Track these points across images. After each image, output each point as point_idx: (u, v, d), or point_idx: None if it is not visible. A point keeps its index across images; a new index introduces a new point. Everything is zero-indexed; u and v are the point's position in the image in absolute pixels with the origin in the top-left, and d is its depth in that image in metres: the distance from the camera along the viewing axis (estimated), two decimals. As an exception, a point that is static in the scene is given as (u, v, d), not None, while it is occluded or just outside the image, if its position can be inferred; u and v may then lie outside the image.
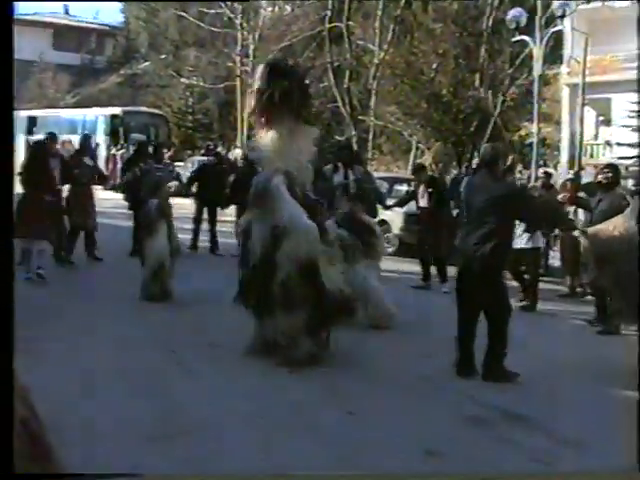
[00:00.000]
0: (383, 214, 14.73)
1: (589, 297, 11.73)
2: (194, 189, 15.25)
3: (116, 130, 32.54)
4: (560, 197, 11.24)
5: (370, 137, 30.41)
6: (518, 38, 20.85)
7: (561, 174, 22.29)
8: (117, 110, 34.07)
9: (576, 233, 11.12)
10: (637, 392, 6.11)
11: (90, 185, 12.82)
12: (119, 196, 14.67)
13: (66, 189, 12.44)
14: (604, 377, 7.40)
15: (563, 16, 19.56)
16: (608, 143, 27.96)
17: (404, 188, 17.15)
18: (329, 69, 31.29)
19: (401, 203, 13.24)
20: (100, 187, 13.62)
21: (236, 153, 31.22)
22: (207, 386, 6.88)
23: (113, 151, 31.27)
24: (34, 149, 11.77)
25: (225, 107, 42.24)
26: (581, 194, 11.68)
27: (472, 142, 25.69)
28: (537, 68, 19.94)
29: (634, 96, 22.49)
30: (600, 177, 10.17)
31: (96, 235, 13.00)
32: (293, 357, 7.48)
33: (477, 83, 26.12)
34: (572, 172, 16.63)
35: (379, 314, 9.24)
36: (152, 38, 51.18)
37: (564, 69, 27.91)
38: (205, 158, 30.18)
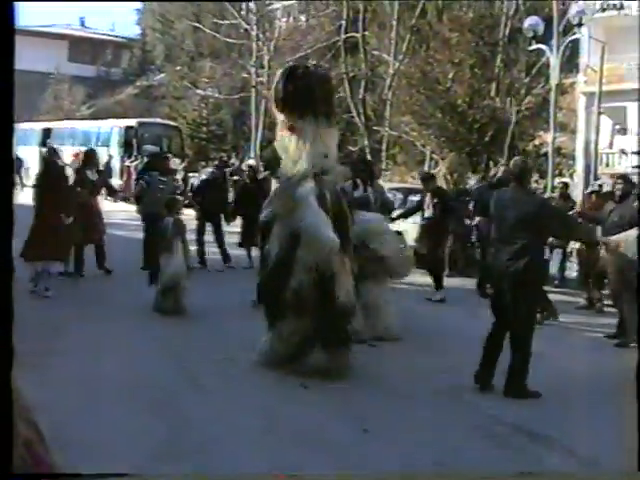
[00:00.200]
0: (398, 225, 14.58)
1: (608, 309, 11.53)
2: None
3: (130, 142, 32.52)
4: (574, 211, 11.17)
5: (384, 147, 30.30)
6: (534, 47, 20.66)
7: (577, 184, 22.12)
8: (131, 122, 34.08)
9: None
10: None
11: (94, 198, 12.64)
12: (133, 207, 14.60)
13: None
14: (622, 392, 7.21)
15: (580, 24, 19.37)
16: (624, 152, 27.72)
17: (418, 199, 16.98)
18: (344, 79, 31.23)
19: (407, 214, 12.94)
20: (111, 199, 13.47)
21: (250, 163, 31.19)
22: (218, 401, 6.75)
23: (127, 162, 31.25)
24: (47, 165, 11.58)
25: (239, 118, 42.26)
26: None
27: (487, 152, 25.53)
28: (554, 77, 19.77)
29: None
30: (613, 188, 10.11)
31: (106, 248, 12.90)
32: (302, 367, 7.39)
33: (493, 92, 25.96)
34: (597, 183, 16.39)
35: (385, 327, 9.14)
36: (168, 50, 51.43)
37: (581, 78, 27.73)
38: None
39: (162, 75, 48.12)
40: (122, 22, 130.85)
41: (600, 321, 11.12)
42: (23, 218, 10.18)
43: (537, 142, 27.56)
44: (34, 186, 11.44)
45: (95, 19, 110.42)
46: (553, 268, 13.18)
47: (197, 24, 41.51)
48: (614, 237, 9.01)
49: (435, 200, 12.42)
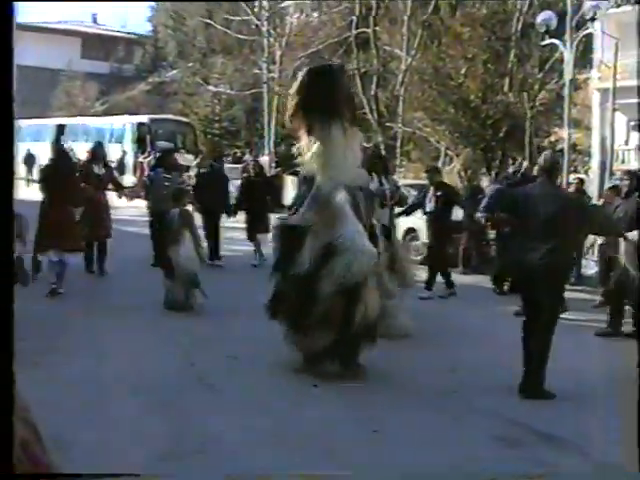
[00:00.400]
0: (412, 222, 14.50)
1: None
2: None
3: (143, 138, 32.57)
4: None
5: (398, 144, 30.16)
6: (548, 42, 20.49)
7: (592, 180, 21.95)
8: (144, 118, 34.12)
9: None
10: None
11: (101, 193, 12.46)
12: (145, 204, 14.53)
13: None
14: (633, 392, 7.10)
15: (594, 19, 19.20)
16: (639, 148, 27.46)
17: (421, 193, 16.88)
18: (356, 75, 31.10)
19: (409, 211, 12.60)
20: (126, 198, 13.30)
21: (263, 160, 31.13)
22: (225, 401, 6.69)
23: (140, 159, 31.29)
24: (58, 158, 11.47)
25: (252, 114, 42.18)
26: None
27: (501, 148, 25.38)
28: (568, 72, 19.60)
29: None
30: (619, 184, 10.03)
31: (115, 244, 12.81)
32: (320, 373, 7.34)
33: (506, 88, 25.79)
34: (616, 179, 16.22)
35: (394, 326, 9.02)
36: (180, 46, 51.39)
37: (594, 73, 27.47)
38: (234, 166, 30.37)
39: (174, 71, 48.08)
40: (134, 19, 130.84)
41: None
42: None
43: (553, 138, 27.41)
44: (41, 180, 11.33)
45: (107, 16, 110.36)
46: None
47: (208, 20, 41.44)
48: (634, 232, 8.97)
49: (438, 193, 12.27)
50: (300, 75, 7.68)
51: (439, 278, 12.41)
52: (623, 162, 27.39)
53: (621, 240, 9.54)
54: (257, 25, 35.76)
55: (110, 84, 53.43)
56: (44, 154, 31.77)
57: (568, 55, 19.51)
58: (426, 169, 14.20)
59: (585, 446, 5.82)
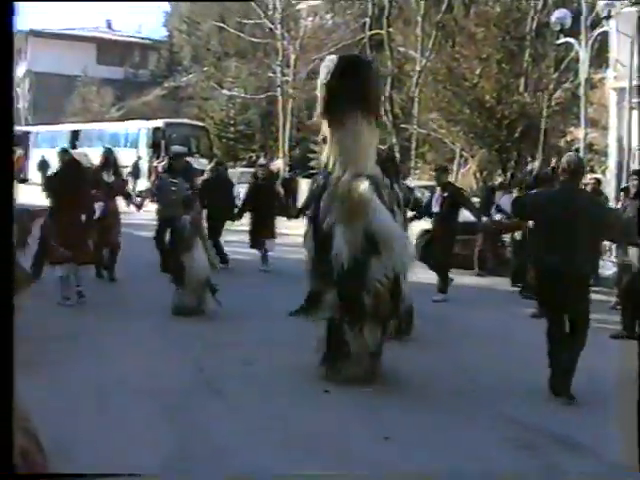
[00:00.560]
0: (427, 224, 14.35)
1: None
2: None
3: (158, 142, 32.58)
4: None
5: (413, 146, 30.04)
6: (563, 41, 20.35)
7: (609, 180, 21.71)
8: (159, 123, 34.15)
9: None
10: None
11: (111, 200, 12.26)
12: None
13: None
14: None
15: (609, 17, 19.04)
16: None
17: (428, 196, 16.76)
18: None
19: (418, 215, 12.13)
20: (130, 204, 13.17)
21: (278, 164, 31.10)
22: (234, 407, 6.58)
23: (155, 163, 31.31)
24: (66, 165, 11.29)
25: (267, 118, 42.15)
26: None
27: (517, 149, 25.18)
28: (583, 71, 19.45)
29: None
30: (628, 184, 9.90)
31: (127, 249, 12.70)
32: (359, 371, 7.23)
33: (521, 88, 25.59)
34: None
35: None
36: (194, 50, 51.51)
37: (610, 72, 27.25)
38: (248, 170, 30.33)
39: (190, 76, 48.17)
40: (149, 24, 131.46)
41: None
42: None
43: (568, 138, 27.17)
44: (48, 188, 11.22)
45: (122, 22, 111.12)
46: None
47: (222, 24, 41.47)
48: None
49: (445, 194, 12.08)
50: (329, 62, 7.33)
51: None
52: (641, 162, 27.14)
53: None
54: (271, 28, 35.76)
55: (125, 89, 53.67)
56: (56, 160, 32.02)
57: (583, 54, 19.37)
58: (434, 168, 14.02)
59: (600, 449, 5.69)
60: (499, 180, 18.03)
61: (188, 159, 16.17)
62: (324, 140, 7.48)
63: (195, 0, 48.27)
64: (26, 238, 8.58)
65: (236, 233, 15.20)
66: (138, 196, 13.61)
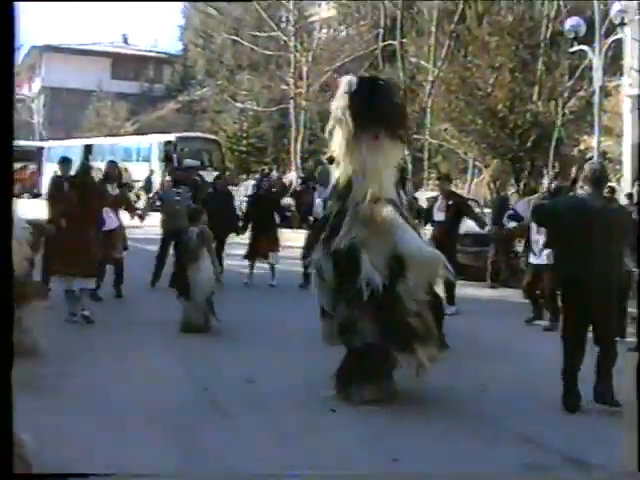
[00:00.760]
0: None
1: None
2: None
3: (170, 156, 32.55)
4: None
5: (426, 156, 29.82)
6: (576, 48, 20.13)
7: (624, 188, 21.42)
8: (171, 136, 34.14)
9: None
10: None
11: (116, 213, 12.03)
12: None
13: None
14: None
15: (622, 24, 18.79)
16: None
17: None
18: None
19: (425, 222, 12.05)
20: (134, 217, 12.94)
21: (290, 176, 30.94)
22: (240, 429, 6.34)
23: (167, 177, 31.26)
24: (79, 177, 10.94)
25: (280, 131, 42.11)
26: None
27: (530, 158, 24.89)
28: (597, 79, 19.20)
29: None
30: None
31: (132, 263, 12.55)
32: (386, 391, 7.03)
33: (535, 96, 25.34)
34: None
35: None
36: (209, 64, 51.64)
37: (625, 80, 26.98)
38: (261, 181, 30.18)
39: (204, 90, 48.27)
40: (165, 38, 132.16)
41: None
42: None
43: (582, 147, 26.87)
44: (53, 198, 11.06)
45: (139, 36, 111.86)
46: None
47: (235, 37, 41.53)
48: None
49: (450, 203, 11.87)
50: (349, 83, 7.22)
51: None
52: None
53: None
54: (284, 41, 35.74)
55: (140, 104, 53.90)
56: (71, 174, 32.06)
57: (597, 62, 19.14)
58: (437, 176, 13.82)
59: (613, 467, 5.42)
60: (512, 190, 17.75)
61: (200, 172, 16.06)
62: (330, 160, 7.23)
63: (210, 0, 48.36)
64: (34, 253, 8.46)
65: (241, 246, 14.97)
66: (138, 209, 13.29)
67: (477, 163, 28.12)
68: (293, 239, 15.42)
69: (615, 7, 18.87)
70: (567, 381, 6.91)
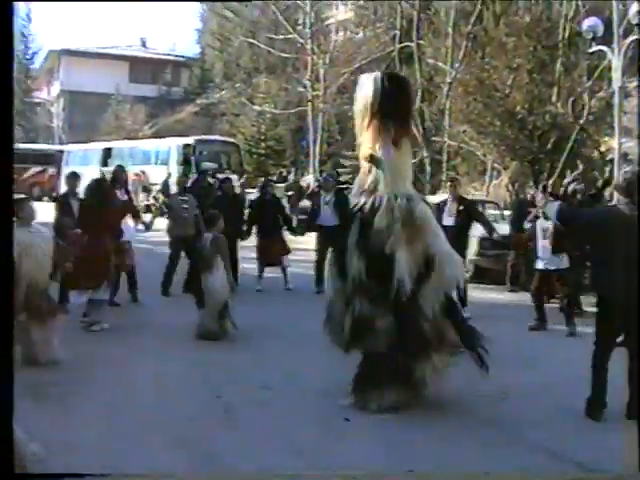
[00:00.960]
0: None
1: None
2: None
3: (188, 159, 32.54)
4: None
5: (444, 158, 29.67)
6: (595, 49, 19.93)
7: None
8: (189, 139, 34.13)
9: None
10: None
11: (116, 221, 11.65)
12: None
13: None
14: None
15: (640, 24, 18.58)
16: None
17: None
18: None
19: None
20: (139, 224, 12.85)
21: (308, 179, 30.88)
22: (251, 436, 6.27)
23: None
24: (93, 188, 10.58)
25: (298, 133, 42.10)
26: None
27: (549, 160, 24.67)
28: (616, 79, 19.01)
29: None
30: None
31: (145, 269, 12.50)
32: (404, 398, 6.92)
33: (553, 98, 25.13)
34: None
35: None
36: (226, 67, 51.71)
37: (645, 80, 26.79)
38: (279, 185, 30.15)
39: (222, 92, 48.31)
40: (183, 42, 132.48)
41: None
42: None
43: (603, 148, 26.63)
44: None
45: (157, 40, 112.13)
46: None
47: (252, 40, 41.56)
48: None
49: (460, 208, 11.77)
50: (373, 80, 7.16)
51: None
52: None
53: None
54: (301, 43, 35.72)
55: (159, 107, 54.05)
56: (88, 177, 32.14)
57: (616, 62, 18.94)
58: (449, 179, 13.69)
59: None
60: (531, 193, 17.57)
61: (216, 174, 15.90)
62: (371, 159, 7.14)
63: (227, 0, 48.46)
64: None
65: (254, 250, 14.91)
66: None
67: (496, 165, 27.93)
68: (306, 242, 15.32)
69: (634, 7, 18.67)
70: (596, 391, 6.80)
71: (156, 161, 34.65)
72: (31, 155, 40.18)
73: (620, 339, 6.96)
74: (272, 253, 13.84)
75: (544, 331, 11.08)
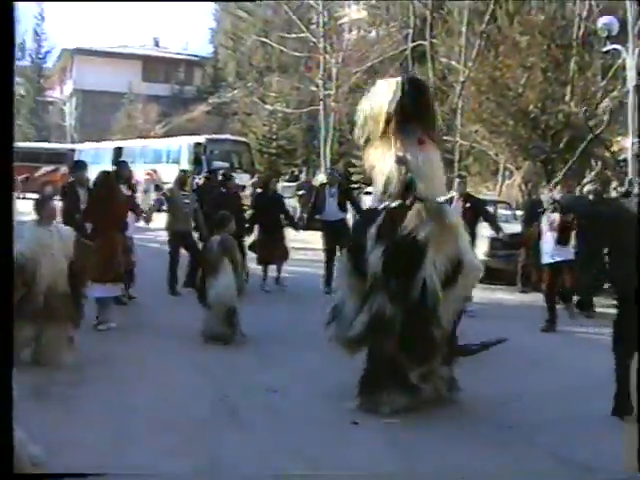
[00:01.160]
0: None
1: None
2: None
3: (199, 158, 32.53)
4: None
5: (456, 158, 29.50)
6: (609, 48, 19.77)
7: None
8: (200, 138, 34.13)
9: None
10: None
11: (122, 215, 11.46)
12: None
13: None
14: None
15: (656, 23, 18.45)
16: None
17: (491, 210, 16.29)
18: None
19: None
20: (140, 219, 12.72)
21: (320, 179, 30.77)
22: (258, 439, 6.16)
23: (196, 180, 31.28)
24: (100, 181, 10.61)
25: (309, 132, 42.02)
26: None
27: (563, 160, 24.48)
28: (631, 79, 18.84)
29: None
30: None
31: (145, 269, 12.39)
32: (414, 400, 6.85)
33: (567, 97, 24.94)
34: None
35: None
36: (239, 66, 51.70)
37: (660, 80, 26.60)
38: (290, 184, 30.07)
39: (234, 92, 48.28)
40: (196, 41, 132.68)
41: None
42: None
43: (616, 148, 26.43)
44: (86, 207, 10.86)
45: (170, 39, 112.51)
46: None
47: (265, 39, 41.51)
48: None
49: (467, 205, 11.65)
50: (393, 83, 7.13)
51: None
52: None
53: None
54: (314, 42, 35.63)
55: (171, 106, 54.08)
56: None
57: (631, 61, 18.79)
58: (458, 176, 13.53)
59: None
60: (544, 192, 17.43)
61: (226, 174, 15.77)
62: (402, 161, 7.00)
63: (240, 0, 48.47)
64: None
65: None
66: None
67: (508, 165, 27.75)
68: (314, 241, 15.19)
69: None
70: (621, 389, 6.68)
71: (167, 160, 34.68)
72: (43, 154, 40.29)
73: None
74: (271, 254, 13.70)
75: (554, 333, 10.94)
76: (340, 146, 37.24)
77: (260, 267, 13.92)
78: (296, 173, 35.50)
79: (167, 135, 43.58)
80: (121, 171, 12.32)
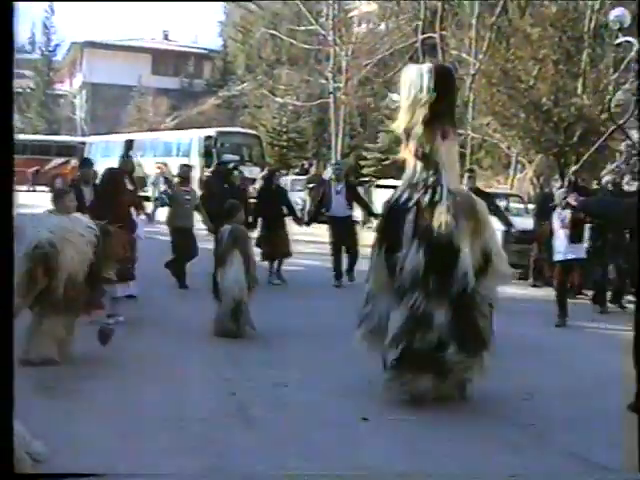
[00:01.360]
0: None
1: None
2: None
3: (210, 151, 32.49)
4: None
5: (468, 151, 29.34)
6: (622, 40, 19.54)
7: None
8: (211, 131, 34.10)
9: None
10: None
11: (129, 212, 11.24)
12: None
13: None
14: None
15: (668, 15, 18.22)
16: None
17: (502, 204, 16.20)
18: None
19: None
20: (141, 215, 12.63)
21: (329, 172, 30.69)
22: (267, 436, 6.07)
23: (206, 172, 31.22)
24: (107, 176, 10.47)
25: (320, 125, 41.93)
26: None
27: (575, 153, 24.29)
28: (643, 71, 18.64)
29: None
30: None
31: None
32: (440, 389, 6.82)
33: (579, 89, 24.73)
34: None
35: None
36: (249, 59, 51.67)
37: (673, 71, 26.31)
38: (300, 177, 30.00)
39: (244, 85, 48.25)
40: (206, 34, 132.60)
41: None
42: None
43: (629, 141, 26.20)
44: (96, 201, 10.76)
45: (179, 33, 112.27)
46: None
47: (274, 32, 41.42)
48: None
49: None
50: (424, 71, 6.89)
51: None
52: None
53: None
54: (323, 35, 35.53)
55: (181, 99, 54.17)
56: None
57: (644, 53, 18.54)
58: (466, 170, 13.41)
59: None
60: (556, 186, 17.28)
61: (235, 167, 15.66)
62: (422, 154, 6.89)
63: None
64: None
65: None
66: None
67: (520, 158, 27.56)
68: (322, 235, 15.09)
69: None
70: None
71: (177, 153, 34.65)
72: (54, 147, 40.37)
73: None
74: (275, 250, 13.61)
75: (569, 328, 10.86)
76: (350, 139, 37.14)
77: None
78: (306, 166, 35.38)
79: (177, 128, 43.58)
80: (125, 166, 12.32)
